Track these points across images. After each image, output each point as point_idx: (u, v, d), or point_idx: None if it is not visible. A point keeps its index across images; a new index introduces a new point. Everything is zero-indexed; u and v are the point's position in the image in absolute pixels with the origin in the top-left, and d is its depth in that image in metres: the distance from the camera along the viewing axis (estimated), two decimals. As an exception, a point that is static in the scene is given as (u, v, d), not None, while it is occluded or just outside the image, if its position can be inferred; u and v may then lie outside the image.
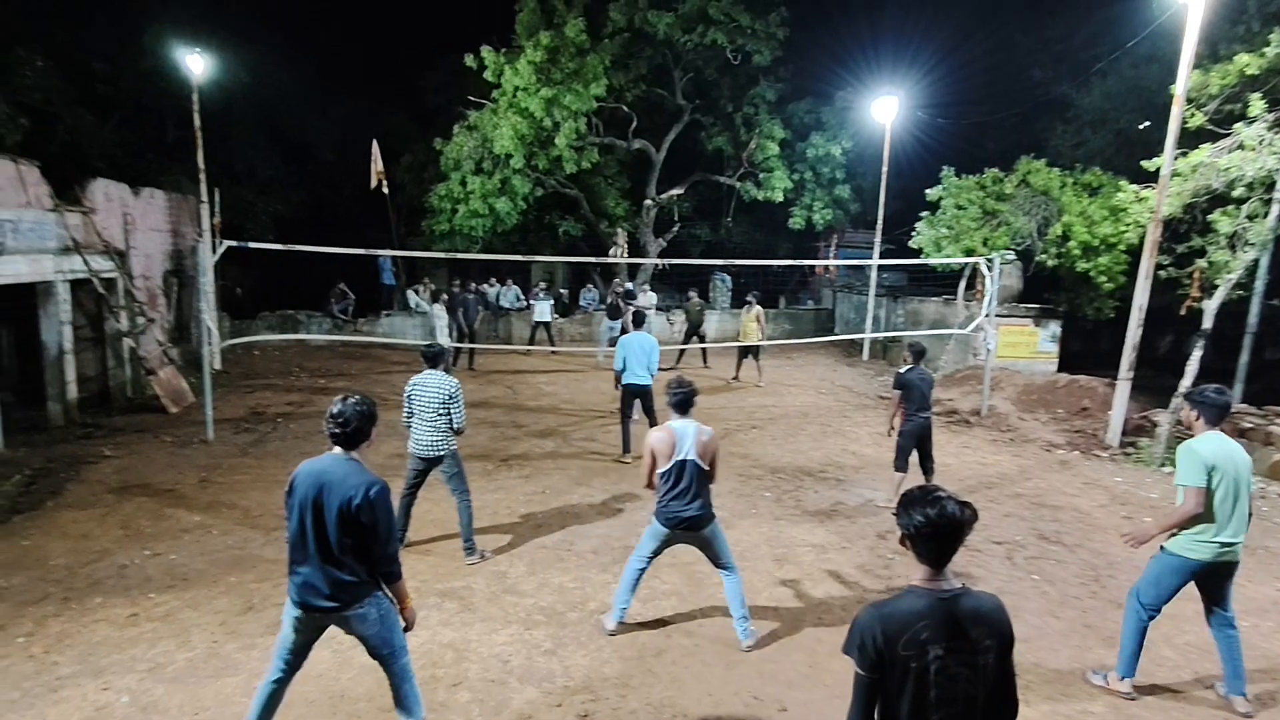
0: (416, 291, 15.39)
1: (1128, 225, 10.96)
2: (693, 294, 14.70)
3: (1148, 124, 11.99)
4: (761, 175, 17.95)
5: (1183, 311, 9.75)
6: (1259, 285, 11.12)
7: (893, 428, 6.88)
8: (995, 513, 6.88)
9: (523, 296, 17.63)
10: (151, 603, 4.84)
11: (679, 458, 4.23)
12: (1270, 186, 8.66)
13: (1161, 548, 3.96)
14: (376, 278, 18.36)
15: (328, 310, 16.35)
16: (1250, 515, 3.80)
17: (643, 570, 4.52)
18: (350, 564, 3.04)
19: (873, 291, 16.37)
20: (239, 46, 15.63)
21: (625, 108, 17.14)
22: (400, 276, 18.35)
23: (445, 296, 13.58)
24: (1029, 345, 13.73)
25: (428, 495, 5.81)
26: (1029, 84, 18.49)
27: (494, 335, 16.92)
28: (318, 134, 20.18)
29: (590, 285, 19.41)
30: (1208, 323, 9.08)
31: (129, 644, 4.34)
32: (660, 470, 4.29)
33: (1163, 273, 9.46)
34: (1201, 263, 9.23)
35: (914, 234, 13.94)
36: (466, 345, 13.78)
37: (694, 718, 3.79)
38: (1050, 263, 12.54)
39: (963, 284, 13.98)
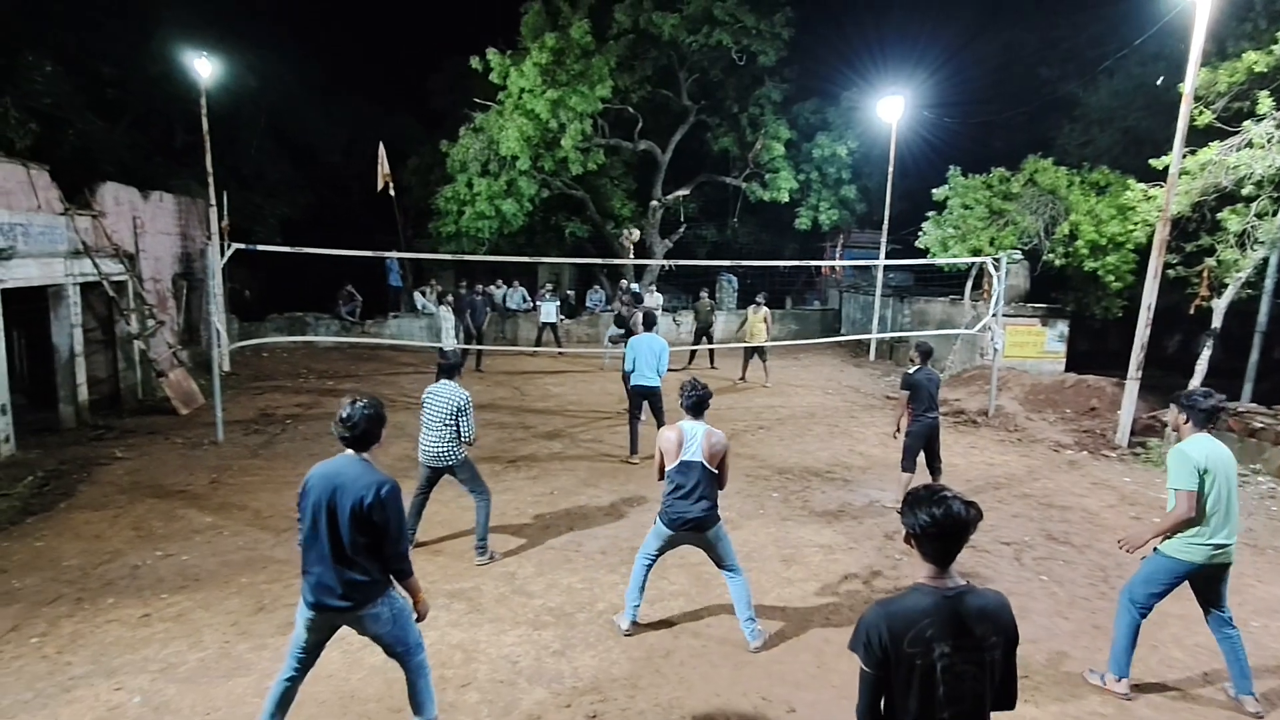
0: (423, 293, 15.48)
1: (1136, 224, 10.89)
2: (703, 294, 14.71)
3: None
4: (767, 176, 17.95)
5: (1191, 310, 9.71)
6: (1268, 284, 11.04)
7: (899, 429, 6.85)
8: (1003, 513, 6.86)
9: (529, 298, 17.69)
10: (164, 603, 4.87)
11: (685, 458, 4.24)
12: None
13: (1156, 549, 3.97)
14: (384, 279, 18.49)
15: (335, 312, 16.42)
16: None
17: (649, 567, 4.53)
18: (363, 564, 3.08)
19: (879, 291, 16.37)
20: (246, 51, 15.73)
21: (631, 109, 17.17)
22: (407, 278, 18.40)
23: (452, 298, 13.63)
24: (1036, 345, 13.68)
25: (436, 496, 5.83)
26: (1036, 83, 18.42)
27: (501, 337, 16.96)
28: (325, 137, 20.30)
29: (597, 286, 19.44)
30: (1217, 322, 9.04)
31: (141, 644, 4.37)
32: (666, 469, 4.31)
33: (1171, 271, 9.41)
34: (1210, 261, 9.19)
35: (920, 234, 13.92)
36: (474, 347, 13.84)
37: (702, 718, 3.81)
38: (1058, 262, 12.48)
39: (969, 284, 13.94)
